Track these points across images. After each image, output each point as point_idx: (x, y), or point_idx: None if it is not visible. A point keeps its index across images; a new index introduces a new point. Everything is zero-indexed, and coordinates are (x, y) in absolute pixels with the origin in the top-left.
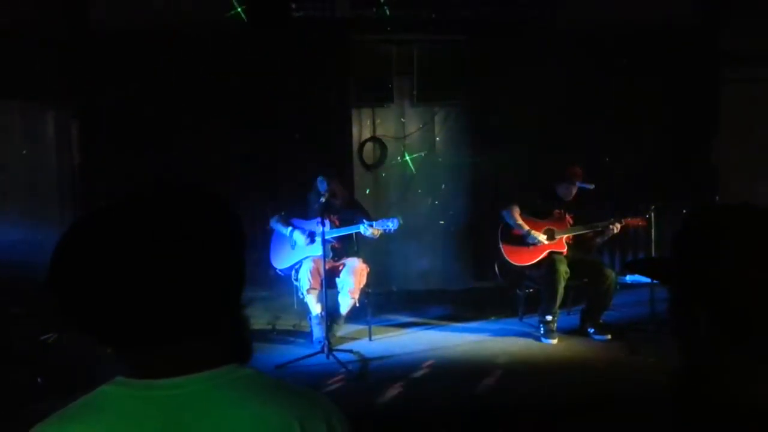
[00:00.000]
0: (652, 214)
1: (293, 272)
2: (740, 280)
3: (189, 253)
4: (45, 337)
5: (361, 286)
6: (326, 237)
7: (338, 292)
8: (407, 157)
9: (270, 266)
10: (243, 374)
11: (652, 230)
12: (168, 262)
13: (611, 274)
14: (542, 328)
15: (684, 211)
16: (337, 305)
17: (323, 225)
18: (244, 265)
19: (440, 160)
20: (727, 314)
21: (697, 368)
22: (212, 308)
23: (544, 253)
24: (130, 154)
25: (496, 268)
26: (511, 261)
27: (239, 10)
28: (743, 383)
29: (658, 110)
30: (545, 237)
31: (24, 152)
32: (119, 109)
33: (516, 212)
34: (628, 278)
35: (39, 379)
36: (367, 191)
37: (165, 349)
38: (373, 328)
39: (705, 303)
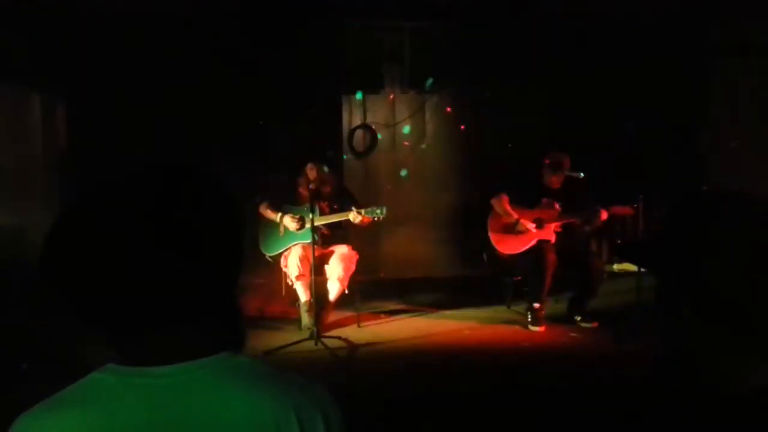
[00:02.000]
0: (640, 203)
1: (282, 259)
2: (727, 268)
3: (186, 237)
4: (29, 324)
5: (350, 273)
6: (315, 224)
7: (327, 279)
8: (397, 145)
9: (258, 252)
10: (238, 362)
11: (640, 219)
12: (165, 246)
13: (599, 262)
14: (530, 316)
15: (671, 200)
16: (326, 292)
17: (313, 212)
18: (242, 250)
19: (430, 147)
20: (711, 302)
21: (680, 353)
22: (208, 295)
23: (533, 242)
24: (119, 139)
25: (485, 257)
26: (499, 249)
27: None
28: (725, 369)
29: (646, 100)
30: (534, 225)
31: (9, 136)
32: (108, 93)
33: (505, 201)
34: (615, 267)
35: (23, 365)
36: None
37: (159, 337)
38: (362, 314)
39: (691, 292)
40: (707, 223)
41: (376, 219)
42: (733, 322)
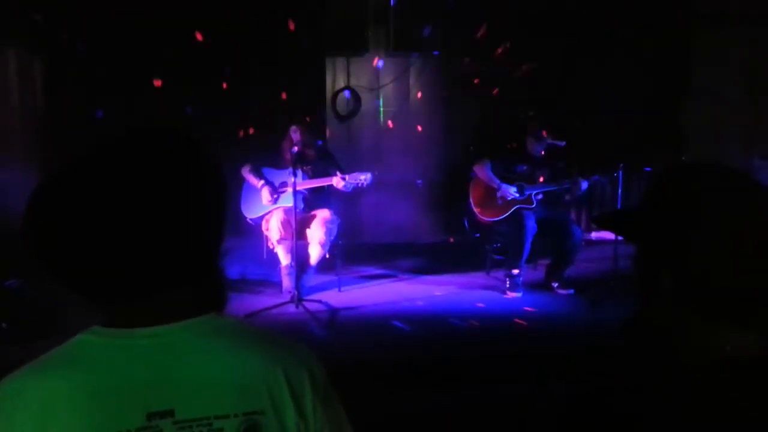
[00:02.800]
0: (620, 173)
1: (263, 222)
2: (706, 241)
3: (172, 200)
4: (9, 283)
5: (332, 237)
6: (298, 188)
7: (308, 243)
8: (381, 109)
9: (240, 215)
10: (224, 323)
11: (620, 189)
12: (150, 209)
13: (577, 231)
14: (508, 282)
15: (651, 169)
16: (307, 256)
17: (295, 175)
18: (225, 212)
19: (414, 112)
20: (688, 273)
21: (653, 318)
22: (195, 257)
23: (513, 209)
24: (96, 97)
25: (466, 223)
26: (480, 216)
27: None
28: (700, 339)
29: (629, 69)
30: (516, 189)
31: None
32: (85, 49)
33: (488, 167)
34: (593, 235)
35: (2, 325)
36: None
37: (145, 300)
38: (343, 279)
39: (669, 261)
40: (688, 194)
41: (360, 185)
42: (711, 293)
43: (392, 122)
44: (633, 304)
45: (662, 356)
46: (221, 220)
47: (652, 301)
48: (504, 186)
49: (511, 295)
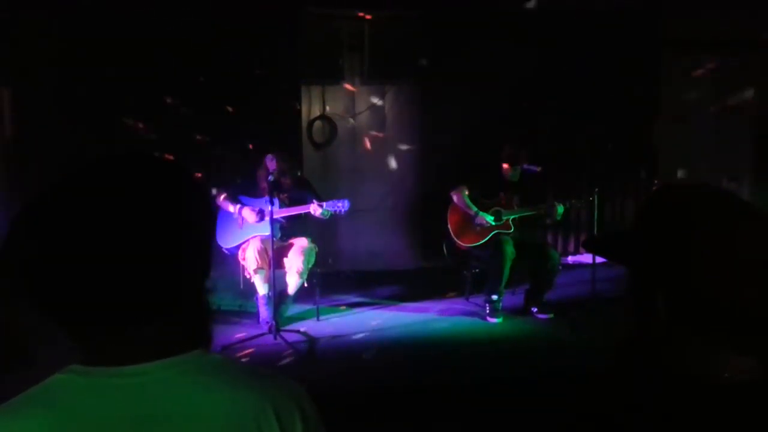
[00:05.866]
0: (595, 196)
1: (240, 251)
2: (702, 261)
3: (157, 226)
4: None
5: (309, 266)
6: (275, 216)
7: (286, 272)
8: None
9: (215, 245)
10: (211, 360)
11: (595, 212)
12: (135, 234)
13: (555, 254)
14: (488, 308)
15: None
16: (284, 285)
17: (272, 204)
18: (212, 243)
19: (390, 139)
20: (684, 294)
21: (646, 340)
22: (178, 290)
23: (491, 234)
24: (68, 126)
25: (444, 249)
26: (458, 242)
27: None
28: (698, 361)
29: (600, 93)
30: (492, 218)
31: None
32: (56, 78)
33: (464, 193)
34: (570, 259)
35: None
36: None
37: (127, 334)
38: (321, 308)
39: (663, 283)
40: (680, 215)
41: (338, 212)
42: (708, 316)
43: (368, 149)
44: (626, 326)
45: (658, 379)
46: (207, 250)
47: (647, 323)
48: (480, 215)
49: (491, 320)
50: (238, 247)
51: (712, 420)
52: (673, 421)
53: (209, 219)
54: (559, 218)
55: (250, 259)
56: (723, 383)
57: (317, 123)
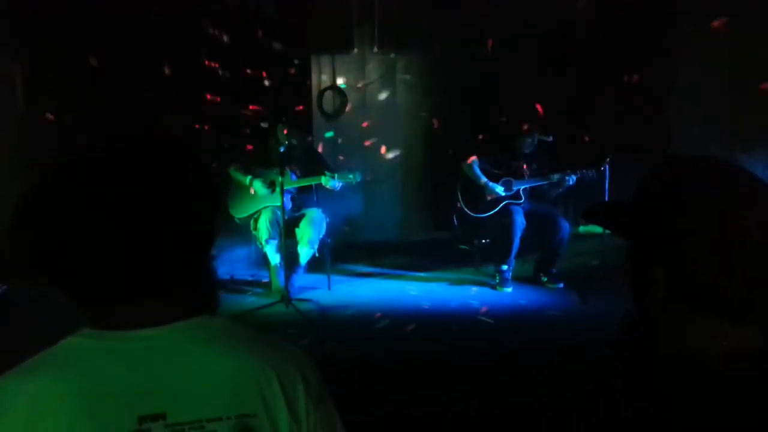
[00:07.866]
0: (607, 167)
1: (252, 222)
2: (695, 234)
3: (164, 200)
4: None
5: (320, 236)
6: (287, 187)
7: (297, 242)
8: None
9: (228, 216)
10: (217, 324)
11: (606, 183)
12: (143, 210)
13: (565, 225)
14: (497, 277)
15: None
16: (296, 255)
17: (283, 175)
18: (216, 214)
19: (400, 109)
20: (680, 267)
21: (646, 318)
22: (186, 259)
23: (501, 205)
24: (79, 101)
25: (454, 219)
26: (468, 212)
27: None
28: (694, 332)
29: (615, 64)
30: (503, 188)
31: None
32: (67, 53)
33: (475, 164)
34: (581, 229)
35: None
36: (328, 135)
37: (137, 302)
38: (332, 277)
39: (660, 256)
40: (678, 187)
41: (348, 184)
42: (706, 288)
43: (379, 120)
44: (627, 298)
45: (658, 351)
46: (212, 221)
47: (645, 296)
48: (491, 185)
49: (501, 290)
50: (250, 217)
51: (711, 391)
52: (673, 393)
53: (212, 192)
54: (569, 188)
55: (262, 229)
56: (722, 353)
57: (327, 93)
